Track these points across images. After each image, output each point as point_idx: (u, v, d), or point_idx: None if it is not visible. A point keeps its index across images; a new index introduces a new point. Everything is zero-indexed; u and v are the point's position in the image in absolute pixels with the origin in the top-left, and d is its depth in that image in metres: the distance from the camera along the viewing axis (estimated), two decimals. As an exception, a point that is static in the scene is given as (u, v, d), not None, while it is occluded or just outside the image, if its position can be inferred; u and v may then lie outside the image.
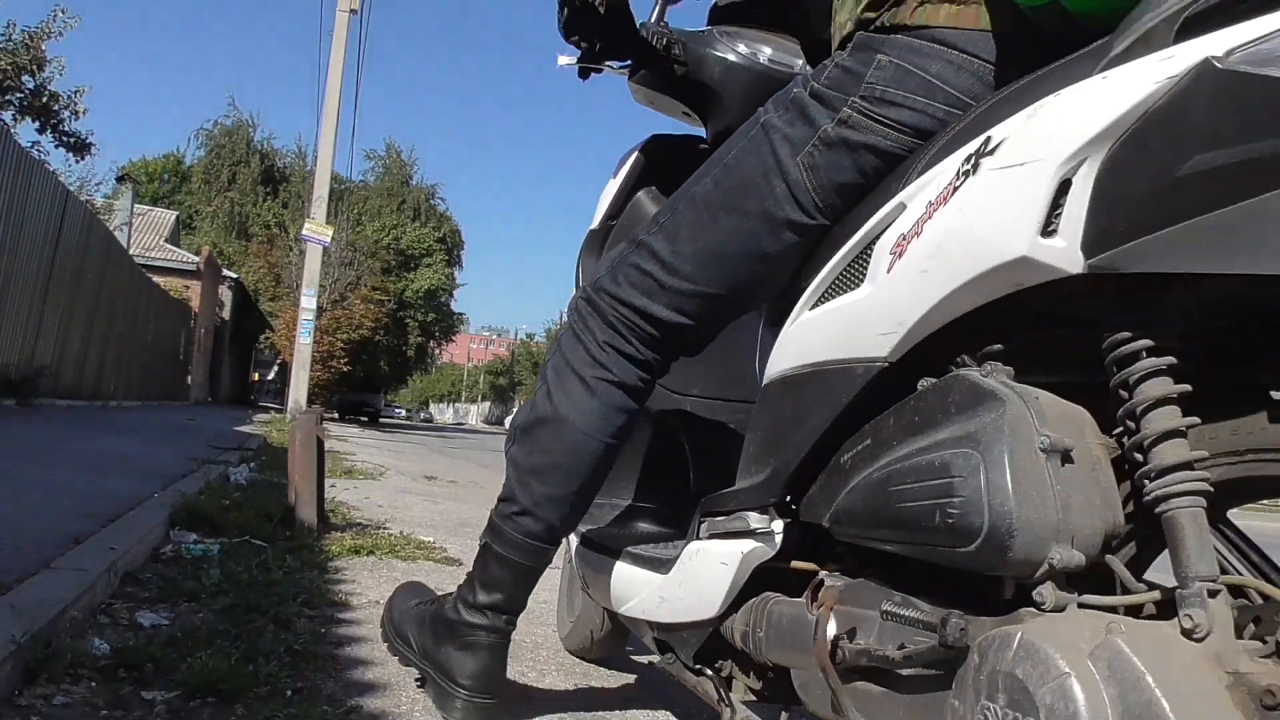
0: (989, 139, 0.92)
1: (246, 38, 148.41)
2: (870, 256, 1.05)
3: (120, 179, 21.47)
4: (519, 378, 69.67)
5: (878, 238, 1.05)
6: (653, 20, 1.66)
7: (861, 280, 1.06)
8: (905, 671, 0.95)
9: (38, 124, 13.37)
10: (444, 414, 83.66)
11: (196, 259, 27.64)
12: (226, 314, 31.86)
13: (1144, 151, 0.78)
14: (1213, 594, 0.76)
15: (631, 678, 1.95)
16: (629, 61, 1.66)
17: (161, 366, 21.12)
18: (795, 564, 1.16)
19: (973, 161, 0.93)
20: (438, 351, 41.01)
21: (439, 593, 1.64)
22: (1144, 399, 0.82)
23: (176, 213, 34.05)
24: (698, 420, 1.53)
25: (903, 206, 1.02)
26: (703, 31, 1.63)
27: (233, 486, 4.09)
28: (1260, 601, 0.78)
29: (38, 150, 12.62)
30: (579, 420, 1.37)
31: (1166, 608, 0.80)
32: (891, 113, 1.10)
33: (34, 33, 12.86)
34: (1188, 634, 0.75)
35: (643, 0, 1.63)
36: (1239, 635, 0.77)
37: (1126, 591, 0.84)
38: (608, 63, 1.66)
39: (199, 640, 1.72)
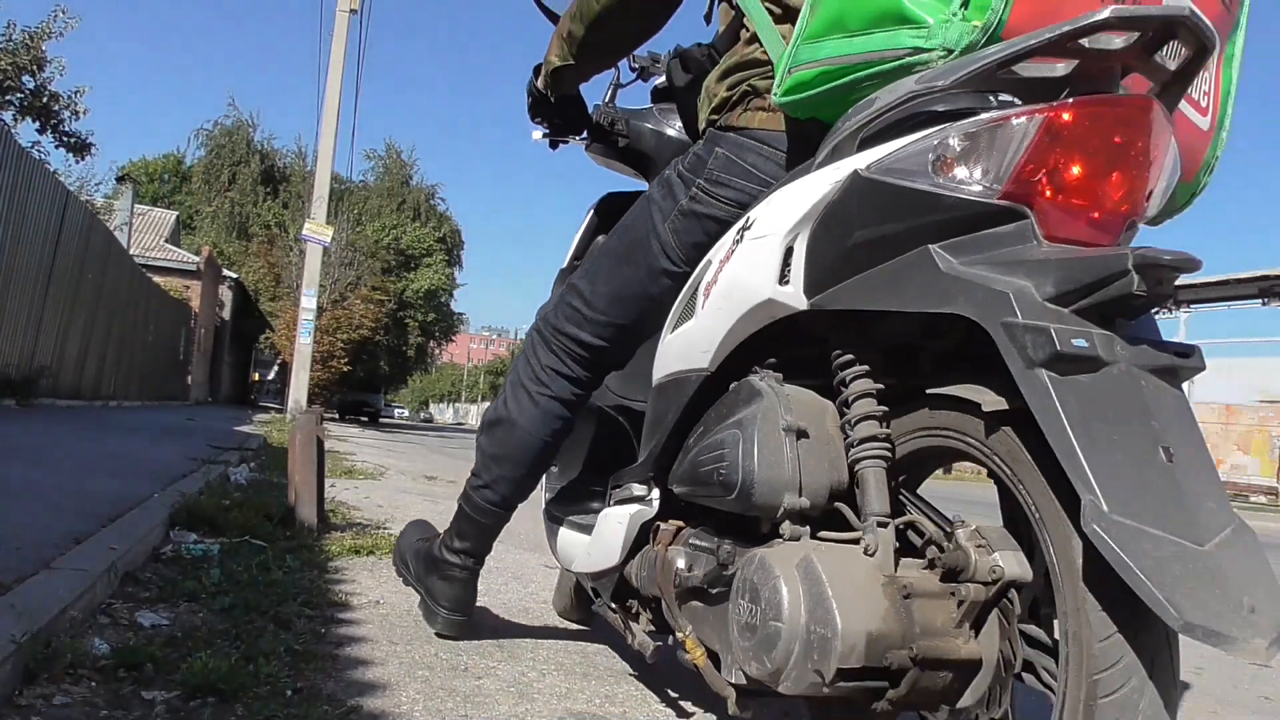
0: (749, 218, 1.37)
1: (246, 38, 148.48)
2: (696, 297, 1.47)
3: (120, 179, 21.48)
4: (519, 378, 69.59)
5: (699, 284, 1.47)
6: (605, 101, 2.08)
7: (693, 314, 1.47)
8: (708, 588, 1.38)
9: (38, 124, 13.37)
10: (444, 414, 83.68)
11: (196, 259, 27.65)
12: (226, 314, 31.85)
13: (829, 229, 1.18)
14: (882, 525, 1.16)
15: (631, 678, 1.95)
16: (585, 135, 2.08)
17: (161, 366, 21.12)
18: (670, 520, 1.55)
19: (740, 232, 1.37)
20: (438, 351, 40.99)
21: (439, 532, 2.08)
22: (850, 394, 1.23)
23: (176, 213, 34.05)
24: (636, 417, 1.82)
25: (710, 262, 1.46)
26: (642, 109, 2.07)
27: (233, 486, 4.09)
28: (927, 534, 1.16)
29: (38, 150, 12.63)
30: (525, 424, 1.83)
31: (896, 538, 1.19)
32: (723, 191, 1.52)
33: (34, 33, 12.86)
34: (866, 551, 1.15)
35: (600, 83, 2.06)
36: (912, 555, 1.17)
37: (850, 528, 1.22)
38: (568, 137, 2.09)
39: (199, 640, 1.73)
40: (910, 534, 1.19)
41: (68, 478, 3.93)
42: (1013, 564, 1.07)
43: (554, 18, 1.94)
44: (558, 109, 2.01)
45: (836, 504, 1.25)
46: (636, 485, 1.62)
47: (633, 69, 2.09)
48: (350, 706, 1.52)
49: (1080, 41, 1.02)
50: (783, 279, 1.25)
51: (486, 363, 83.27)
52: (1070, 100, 1.04)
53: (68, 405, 11.69)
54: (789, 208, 1.26)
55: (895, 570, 1.14)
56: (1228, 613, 0.83)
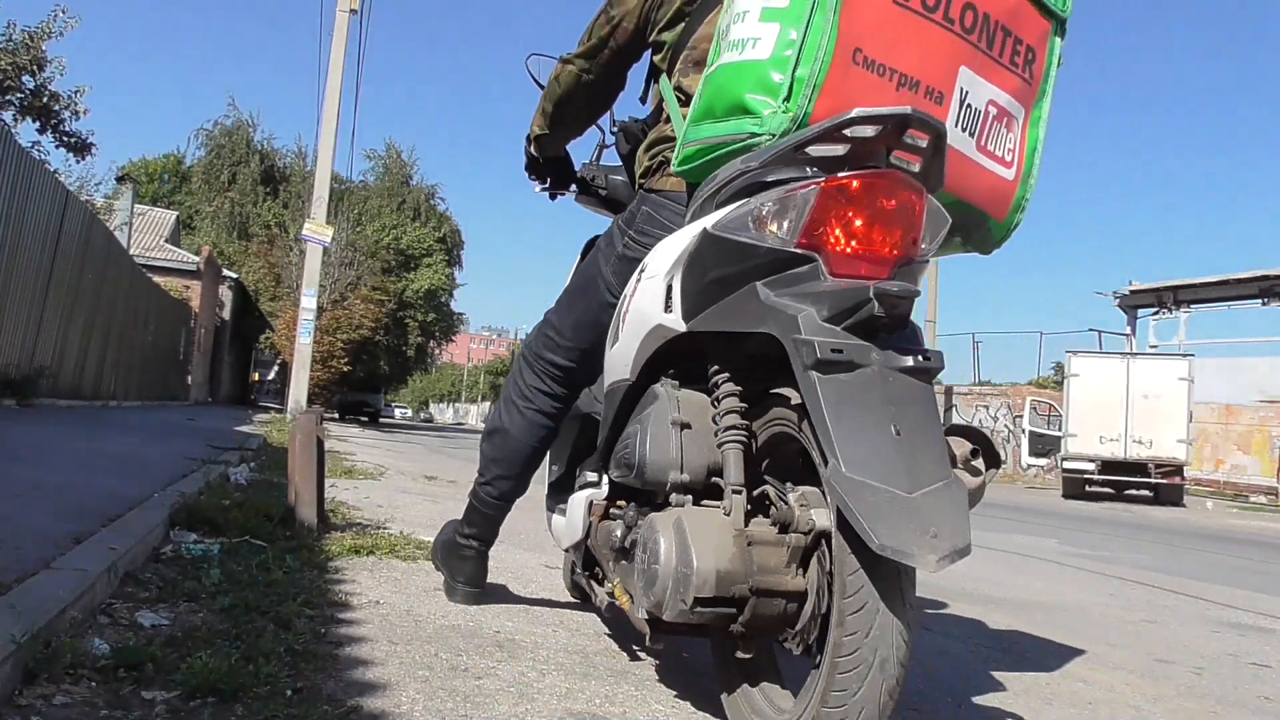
0: (645, 262, 1.80)
1: (246, 38, 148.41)
2: (619, 323, 1.88)
3: (120, 179, 21.45)
4: (519, 378, 69.52)
5: (620, 312, 1.88)
6: (591, 160, 2.49)
7: (618, 337, 1.88)
8: (626, 547, 1.72)
9: (38, 124, 13.37)
10: (444, 414, 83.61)
11: (196, 259, 27.64)
12: (226, 314, 31.85)
13: (693, 270, 1.55)
14: (736, 492, 1.50)
15: (630, 678, 1.95)
16: (574, 188, 2.51)
17: (161, 366, 21.12)
18: (619, 501, 1.87)
19: (640, 273, 1.80)
20: (438, 351, 40.93)
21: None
22: (719, 395, 1.58)
23: (176, 213, 34.04)
24: None
25: (626, 296, 1.87)
26: (616, 165, 2.47)
27: (233, 486, 4.09)
28: (770, 500, 1.53)
29: (38, 150, 12.64)
30: (516, 433, 2.26)
31: (756, 505, 1.54)
32: (647, 240, 1.91)
33: (34, 33, 12.85)
34: (725, 512, 1.49)
35: (587, 143, 2.47)
36: (764, 516, 1.52)
37: (721, 497, 1.54)
38: (562, 190, 2.51)
39: (199, 640, 1.73)
40: (766, 501, 1.56)
41: (67, 478, 3.93)
42: (823, 518, 1.39)
43: (541, 86, 2.31)
44: (549, 167, 2.45)
45: (714, 479, 1.58)
46: (590, 474, 2.00)
47: (612, 132, 2.38)
48: (350, 706, 1.52)
49: (844, 131, 1.40)
50: (667, 309, 1.64)
51: (486, 363, 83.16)
52: (840, 174, 1.40)
53: (68, 405, 11.69)
54: (668, 254, 1.68)
55: (745, 526, 1.49)
56: (914, 539, 1.20)
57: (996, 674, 2.33)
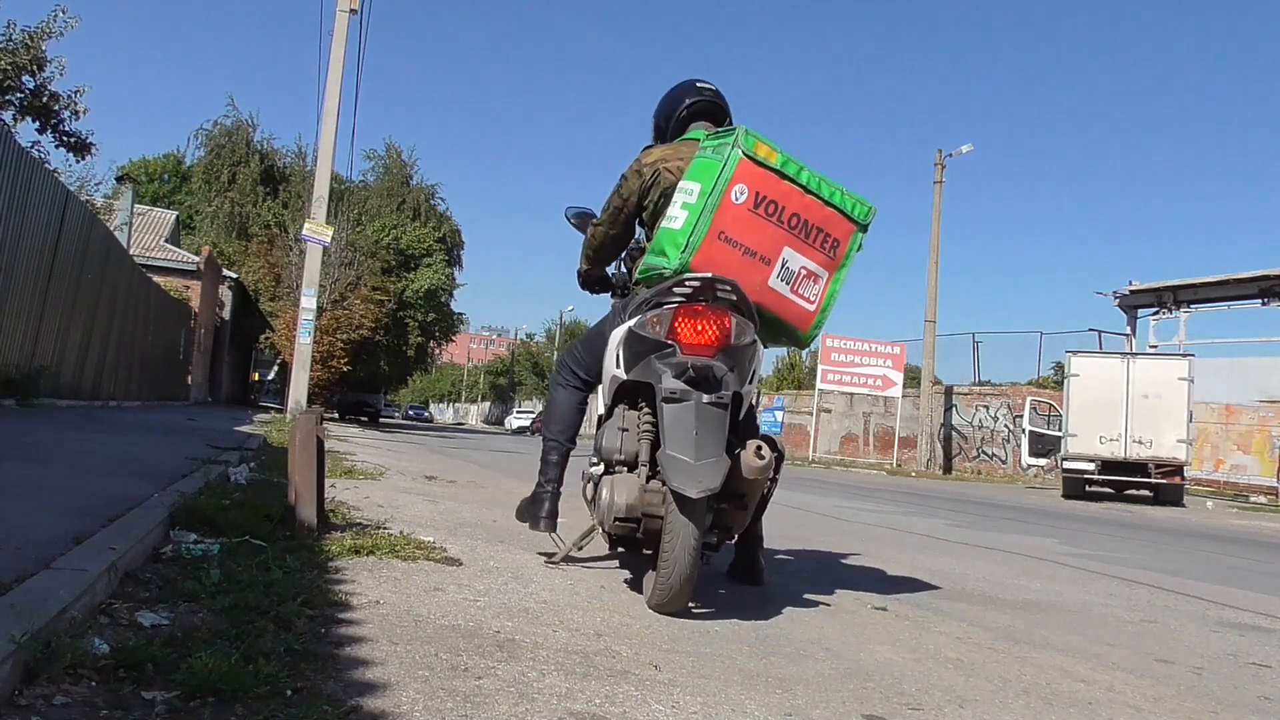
0: (609, 340, 3.08)
1: (246, 37, 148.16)
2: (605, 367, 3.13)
3: (120, 179, 21.43)
4: (519, 378, 69.51)
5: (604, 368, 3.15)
6: (618, 269, 3.51)
7: (605, 376, 3.11)
8: (593, 496, 2.98)
9: (38, 124, 13.34)
10: (444, 414, 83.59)
11: (196, 259, 27.63)
12: (226, 314, 31.84)
13: (627, 346, 2.84)
14: (644, 465, 2.77)
15: (630, 678, 1.95)
16: (612, 292, 3.50)
17: (161, 366, 21.11)
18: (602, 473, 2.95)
19: (610, 346, 3.06)
20: (438, 351, 40.95)
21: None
22: (640, 414, 2.85)
23: (176, 213, 34.02)
24: None
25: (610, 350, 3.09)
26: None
27: (233, 486, 4.09)
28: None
29: (38, 150, 12.61)
30: (559, 399, 3.41)
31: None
32: (632, 317, 2.91)
33: (34, 33, 12.82)
34: (638, 475, 2.76)
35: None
36: (656, 478, 2.73)
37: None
38: (604, 291, 3.52)
39: (199, 640, 1.72)
40: (658, 469, 2.69)
41: (68, 478, 3.93)
42: None
43: (580, 229, 3.45)
44: (596, 283, 3.51)
45: (641, 459, 2.79)
46: (593, 457, 3.05)
47: (624, 257, 3.49)
48: (350, 706, 1.52)
49: (688, 282, 2.74)
50: (618, 366, 2.91)
51: (486, 363, 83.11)
52: (682, 303, 2.73)
53: (68, 405, 11.69)
54: (618, 336, 2.96)
55: (646, 483, 2.72)
56: (690, 484, 2.49)
57: (996, 674, 2.33)
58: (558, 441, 3.32)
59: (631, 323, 2.79)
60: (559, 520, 3.32)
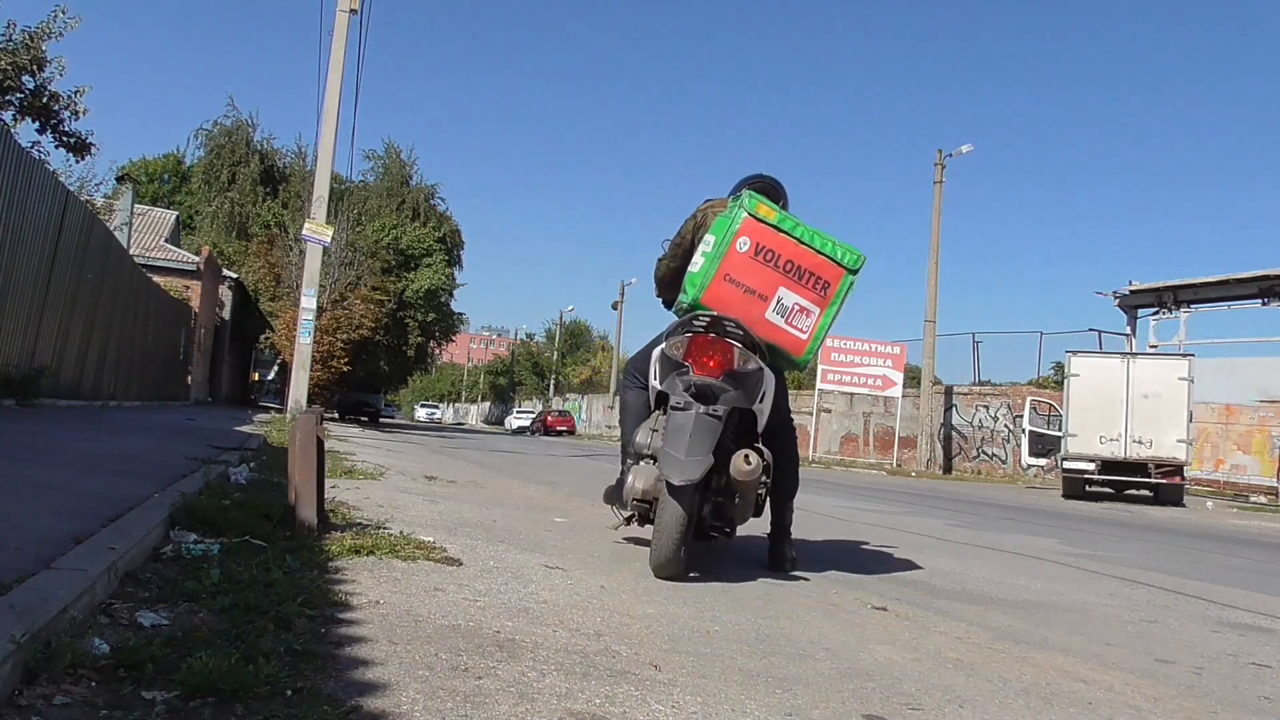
0: (650, 357, 3.71)
1: (246, 38, 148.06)
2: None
3: (120, 179, 21.41)
4: (519, 377, 69.46)
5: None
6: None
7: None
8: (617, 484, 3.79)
9: (38, 124, 13.33)
10: (444, 414, 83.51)
11: (196, 259, 27.63)
12: (226, 314, 31.84)
13: (661, 364, 3.51)
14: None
15: (630, 678, 1.95)
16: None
17: (161, 366, 21.11)
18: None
19: (651, 359, 3.70)
20: (438, 351, 40.93)
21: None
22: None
23: (176, 213, 34.02)
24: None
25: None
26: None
27: (233, 486, 4.09)
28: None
29: (38, 150, 12.60)
30: (630, 402, 3.82)
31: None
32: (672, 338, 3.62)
33: (34, 33, 12.81)
34: (655, 467, 3.38)
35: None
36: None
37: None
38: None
39: (199, 640, 1.72)
40: None
41: (68, 478, 3.93)
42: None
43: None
44: (671, 305, 3.99)
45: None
46: (629, 450, 3.68)
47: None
48: (350, 706, 1.52)
49: (702, 317, 3.43)
50: (654, 378, 3.54)
51: (486, 363, 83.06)
52: (695, 333, 3.41)
53: (68, 405, 11.69)
54: (656, 354, 3.58)
55: (660, 473, 3.24)
56: (674, 473, 3.14)
57: (996, 674, 2.33)
58: (628, 436, 3.81)
59: (664, 345, 3.50)
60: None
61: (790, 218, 3.53)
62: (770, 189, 3.86)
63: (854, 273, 3.52)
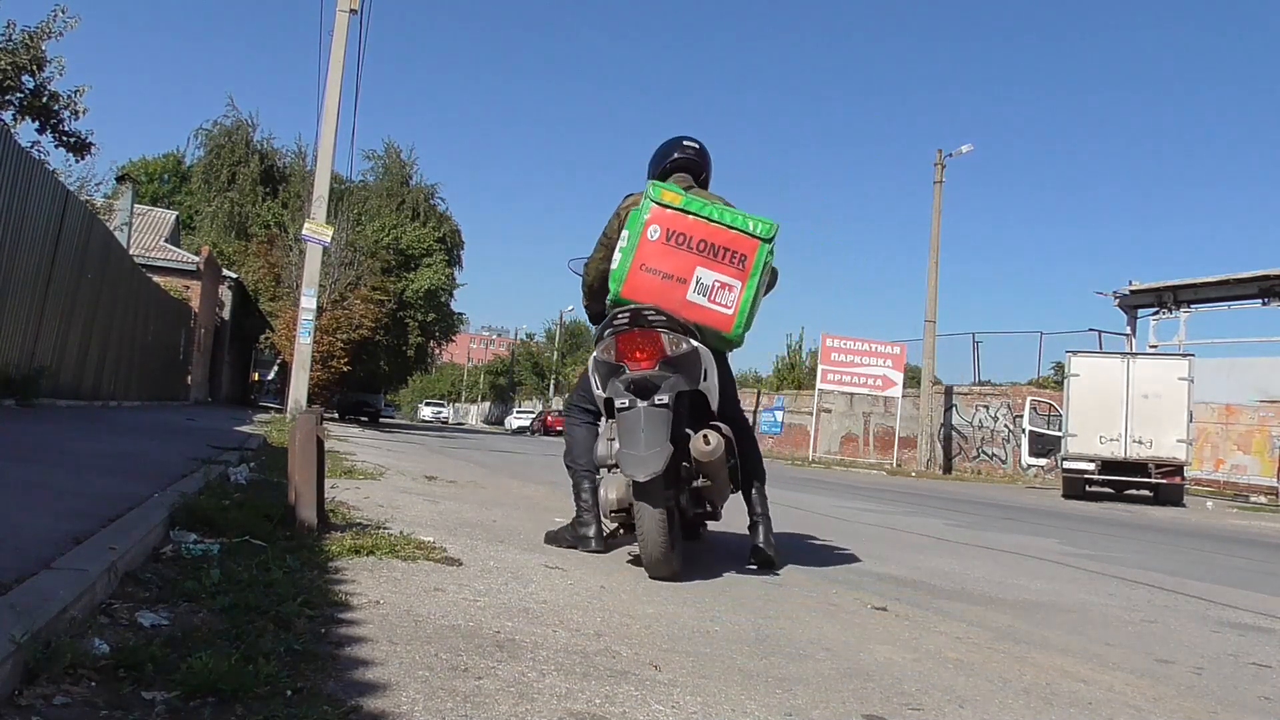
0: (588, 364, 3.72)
1: (246, 38, 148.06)
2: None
3: (120, 179, 21.41)
4: (519, 378, 69.44)
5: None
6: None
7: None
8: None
9: (38, 124, 13.33)
10: (448, 413, 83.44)
11: (196, 259, 27.63)
12: (226, 314, 31.85)
13: (595, 370, 3.50)
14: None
15: (630, 678, 1.95)
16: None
17: (161, 366, 21.11)
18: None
19: (591, 370, 3.64)
20: (438, 351, 40.90)
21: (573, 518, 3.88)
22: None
23: (176, 213, 34.03)
24: None
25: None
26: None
27: (233, 486, 4.09)
28: None
29: (38, 150, 12.60)
30: (577, 438, 3.87)
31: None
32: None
33: (34, 33, 12.82)
34: (623, 474, 3.28)
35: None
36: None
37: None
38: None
39: (199, 640, 1.72)
40: None
41: (68, 478, 3.93)
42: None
43: (578, 274, 4.08)
44: (598, 318, 3.93)
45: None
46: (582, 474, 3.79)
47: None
48: (350, 706, 1.51)
49: (621, 313, 3.45)
50: (597, 387, 3.46)
51: (486, 363, 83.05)
52: (620, 331, 3.42)
53: (68, 405, 11.69)
54: (591, 363, 3.54)
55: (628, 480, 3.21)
56: (638, 470, 3.11)
57: (996, 674, 2.33)
58: (587, 472, 3.75)
59: (596, 351, 3.51)
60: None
61: (697, 199, 3.53)
62: (690, 164, 3.85)
63: (769, 241, 3.49)
